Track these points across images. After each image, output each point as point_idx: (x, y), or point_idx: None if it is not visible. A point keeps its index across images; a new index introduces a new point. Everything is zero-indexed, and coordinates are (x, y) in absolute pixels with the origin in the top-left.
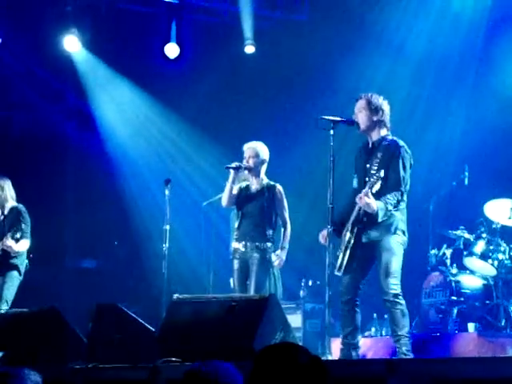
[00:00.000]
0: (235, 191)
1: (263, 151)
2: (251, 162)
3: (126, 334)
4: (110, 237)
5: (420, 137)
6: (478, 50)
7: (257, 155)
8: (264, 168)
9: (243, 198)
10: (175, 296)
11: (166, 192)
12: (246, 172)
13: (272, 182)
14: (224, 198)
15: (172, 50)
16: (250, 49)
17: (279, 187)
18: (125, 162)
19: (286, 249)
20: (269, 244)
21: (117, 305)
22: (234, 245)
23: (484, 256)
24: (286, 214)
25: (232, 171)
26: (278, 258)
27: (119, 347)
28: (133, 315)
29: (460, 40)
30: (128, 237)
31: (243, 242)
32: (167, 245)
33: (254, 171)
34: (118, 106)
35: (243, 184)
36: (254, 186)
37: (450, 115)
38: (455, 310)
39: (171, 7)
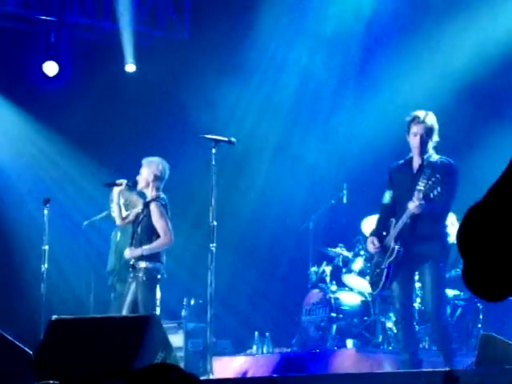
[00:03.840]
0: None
1: (150, 167)
2: (138, 179)
3: (1, 357)
4: None
5: (300, 155)
6: (355, 70)
7: (144, 172)
8: (153, 184)
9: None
10: (54, 316)
11: (45, 211)
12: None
13: (151, 198)
14: (116, 219)
15: (51, 68)
16: (130, 67)
17: (153, 203)
18: (2, 182)
19: (142, 250)
20: (146, 263)
21: None
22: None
23: (362, 273)
24: (160, 226)
25: (113, 189)
26: (130, 251)
27: None
28: (8, 337)
29: (338, 61)
30: (5, 257)
31: (131, 262)
32: (46, 265)
33: (142, 188)
34: None
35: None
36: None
37: (330, 133)
38: (334, 327)
39: (49, 24)
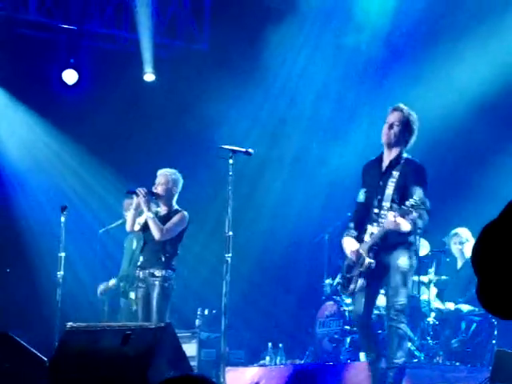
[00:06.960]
0: (142, 219)
1: (173, 180)
2: (159, 189)
3: (17, 363)
4: (2, 264)
5: (317, 167)
6: (374, 83)
7: (166, 183)
8: (174, 196)
9: (147, 225)
10: (69, 324)
11: (62, 219)
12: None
13: (178, 209)
14: (127, 224)
15: (70, 76)
16: (149, 77)
17: (183, 212)
18: (21, 189)
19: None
20: (166, 271)
21: (7, 333)
22: (138, 273)
23: None
24: (170, 223)
25: (134, 196)
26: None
27: (9, 376)
28: (24, 344)
29: (356, 74)
30: (21, 264)
31: (144, 270)
32: (62, 272)
33: (162, 198)
34: (15, 133)
35: (154, 211)
36: (162, 213)
37: (347, 147)
38: (348, 340)
39: (70, 33)
